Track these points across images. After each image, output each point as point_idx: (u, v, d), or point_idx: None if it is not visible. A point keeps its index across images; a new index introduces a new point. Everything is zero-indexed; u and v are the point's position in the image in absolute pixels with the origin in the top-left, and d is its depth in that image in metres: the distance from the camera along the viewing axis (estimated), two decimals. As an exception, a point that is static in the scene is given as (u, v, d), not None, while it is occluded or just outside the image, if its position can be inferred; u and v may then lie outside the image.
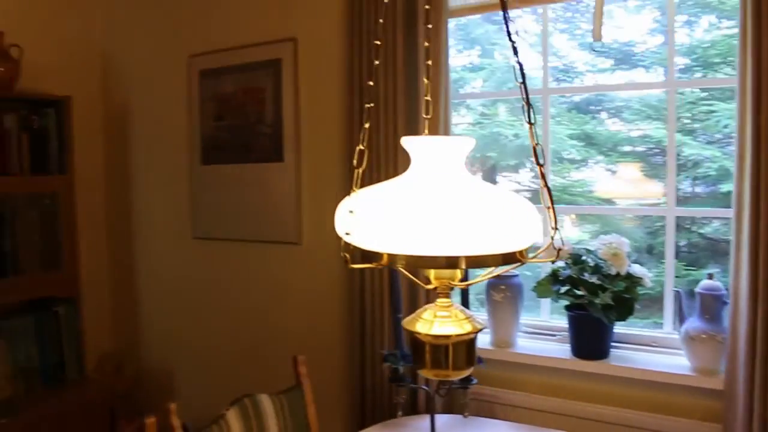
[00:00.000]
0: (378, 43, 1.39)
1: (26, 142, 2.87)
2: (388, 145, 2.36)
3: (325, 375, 2.70)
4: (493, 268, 1.05)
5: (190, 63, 3.11)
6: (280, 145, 2.84)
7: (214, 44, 3.02)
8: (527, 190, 2.72)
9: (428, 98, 1.36)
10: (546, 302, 2.46)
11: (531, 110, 1.03)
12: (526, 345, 2.39)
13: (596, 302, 2.11)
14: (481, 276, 1.18)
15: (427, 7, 1.04)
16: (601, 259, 2.17)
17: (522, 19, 2.55)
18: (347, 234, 1.03)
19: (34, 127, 2.89)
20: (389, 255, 0.99)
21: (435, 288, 1.10)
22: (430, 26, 2.26)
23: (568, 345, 2.28)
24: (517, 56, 1.03)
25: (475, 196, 1.02)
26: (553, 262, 1.09)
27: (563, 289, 2.21)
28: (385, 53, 2.31)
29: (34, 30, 3.06)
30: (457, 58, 2.76)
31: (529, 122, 1.01)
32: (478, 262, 0.98)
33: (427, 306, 1.11)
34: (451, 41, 2.39)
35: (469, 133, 2.75)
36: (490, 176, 2.76)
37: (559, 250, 1.03)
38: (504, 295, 2.34)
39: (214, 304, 3.15)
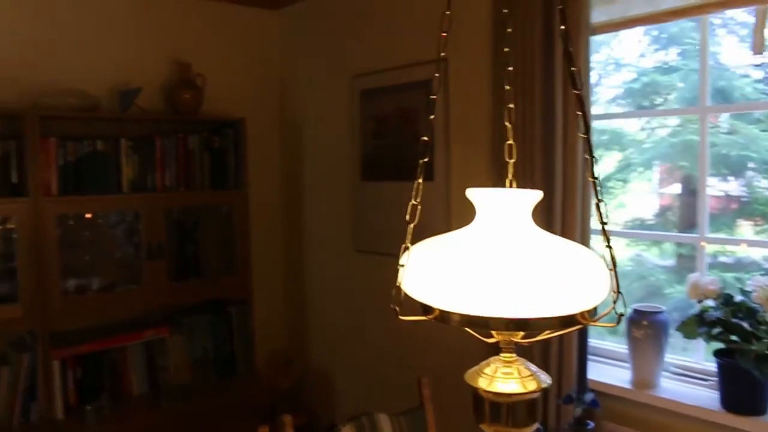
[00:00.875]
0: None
1: (208, 160, 3.26)
2: (525, 168, 2.35)
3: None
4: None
5: (352, 83, 3.31)
6: (431, 164, 2.93)
7: (373, 65, 3.19)
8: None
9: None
10: (700, 341, 2.28)
11: (590, 144, 1.01)
12: (670, 388, 2.24)
13: (748, 351, 1.93)
14: (546, 334, 1.17)
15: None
16: (755, 303, 1.98)
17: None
18: (398, 285, 1.08)
19: (214, 147, 3.28)
20: (442, 311, 1.03)
21: (497, 342, 1.12)
22: (571, 49, 2.20)
23: (718, 393, 2.10)
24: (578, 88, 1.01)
25: (539, 254, 1.01)
26: (614, 326, 1.06)
27: (715, 331, 2.05)
28: (523, 76, 2.30)
29: (216, 60, 3.46)
30: (647, 59, 2.61)
31: (590, 155, 1.00)
32: (536, 325, 0.97)
33: (490, 359, 1.13)
34: (646, 39, 2.27)
35: (659, 142, 2.60)
36: (685, 186, 2.58)
37: (621, 315, 1.00)
38: (645, 332, 2.21)
39: (373, 315, 3.33)
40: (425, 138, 1.16)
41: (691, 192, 2.44)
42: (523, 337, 1.10)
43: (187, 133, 3.20)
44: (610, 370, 2.39)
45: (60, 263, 2.79)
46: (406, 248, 1.12)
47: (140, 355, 3.09)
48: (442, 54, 1.22)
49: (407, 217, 1.15)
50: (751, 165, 2.39)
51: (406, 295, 1.08)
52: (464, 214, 2.91)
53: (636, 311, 2.26)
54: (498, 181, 2.50)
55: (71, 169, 2.86)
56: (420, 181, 1.14)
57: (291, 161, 3.80)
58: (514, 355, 1.11)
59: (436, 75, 1.26)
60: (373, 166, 3.26)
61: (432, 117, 1.21)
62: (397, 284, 1.09)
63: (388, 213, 3.16)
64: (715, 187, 2.42)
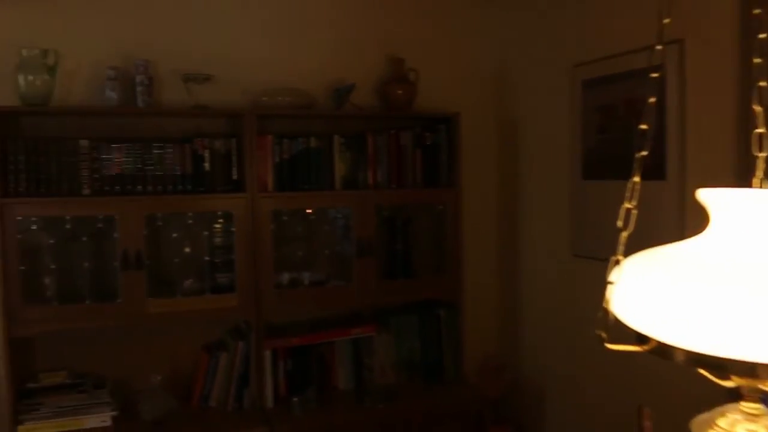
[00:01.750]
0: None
1: (420, 157, 3.22)
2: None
3: None
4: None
5: (573, 73, 3.05)
6: (662, 161, 2.58)
7: (596, 52, 2.90)
8: None
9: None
10: None
11: None
12: None
13: None
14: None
15: None
16: None
17: None
18: (605, 306, 0.89)
19: (426, 144, 3.22)
20: (661, 343, 0.82)
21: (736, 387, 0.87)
22: None
23: None
24: None
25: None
26: None
27: None
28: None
29: (429, 53, 3.40)
30: None
31: None
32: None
33: (726, 407, 0.89)
34: None
35: None
36: None
37: None
38: None
39: (591, 329, 3.04)
40: (644, 126, 0.94)
41: None
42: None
43: (399, 130, 3.18)
44: None
45: (274, 257, 2.92)
46: (617, 261, 0.93)
47: (347, 351, 3.14)
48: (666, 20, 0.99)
49: (619, 222, 0.95)
50: None
51: (616, 318, 0.89)
52: (704, 220, 2.50)
53: None
54: (744, 180, 2.11)
55: (286, 165, 2.98)
56: (637, 179, 0.94)
57: (506, 158, 3.62)
58: (760, 407, 0.86)
59: (657, 47, 1.03)
60: (596, 163, 2.97)
61: (652, 100, 0.98)
62: (604, 305, 0.90)
63: (612, 215, 2.85)
64: None
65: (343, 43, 3.25)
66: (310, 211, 3.11)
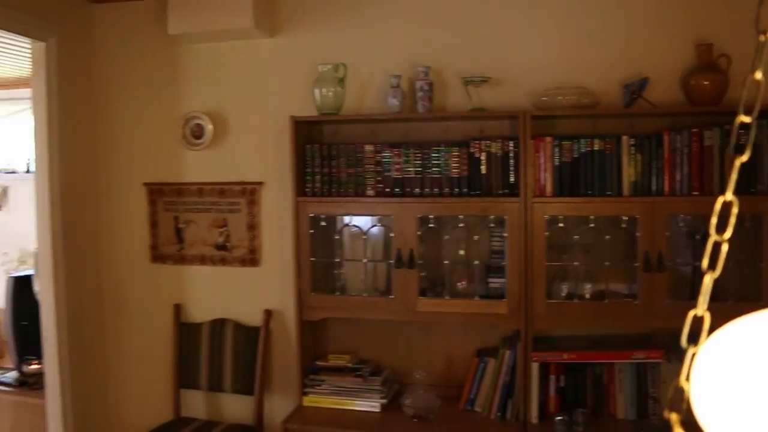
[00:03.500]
0: None
1: (729, 159, 2.78)
2: None
3: None
4: None
5: None
6: None
7: None
8: None
9: None
10: None
11: None
12: None
13: None
14: None
15: None
16: None
17: None
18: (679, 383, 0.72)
19: (740, 143, 2.76)
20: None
21: None
22: None
23: None
24: None
25: None
26: None
27: None
28: None
29: (744, 36, 2.88)
30: None
31: None
32: None
33: None
34: None
35: None
36: None
37: None
38: None
39: None
40: (746, 118, 0.73)
41: None
42: None
43: (702, 128, 2.79)
44: None
45: (548, 266, 2.83)
46: (700, 319, 0.75)
47: (629, 376, 2.88)
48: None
49: (704, 262, 0.77)
50: None
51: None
52: None
53: None
54: None
55: (566, 169, 2.86)
56: (729, 195, 0.74)
57: None
58: None
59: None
60: None
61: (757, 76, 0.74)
62: (677, 382, 0.74)
63: None
64: None
65: (635, 32, 2.97)
66: (593, 216, 2.93)
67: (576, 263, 2.92)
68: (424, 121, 3.08)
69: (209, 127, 3.33)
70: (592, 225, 2.85)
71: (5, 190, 7.30)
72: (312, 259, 3.01)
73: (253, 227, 3.35)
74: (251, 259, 3.37)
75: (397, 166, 2.96)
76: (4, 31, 3.13)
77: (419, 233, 2.90)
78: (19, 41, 4.56)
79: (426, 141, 2.99)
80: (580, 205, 2.85)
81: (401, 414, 2.90)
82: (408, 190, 2.95)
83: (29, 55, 5.12)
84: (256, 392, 3.27)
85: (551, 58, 3.04)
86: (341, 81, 3.00)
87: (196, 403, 3.52)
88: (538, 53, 3.05)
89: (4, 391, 3.83)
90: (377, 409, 2.95)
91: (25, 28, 3.19)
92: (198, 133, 3.36)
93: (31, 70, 3.39)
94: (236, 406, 3.43)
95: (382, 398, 2.96)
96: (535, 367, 2.85)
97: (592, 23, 3.01)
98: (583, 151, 2.85)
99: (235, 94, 3.37)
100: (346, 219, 3.09)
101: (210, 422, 3.33)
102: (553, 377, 2.89)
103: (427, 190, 2.94)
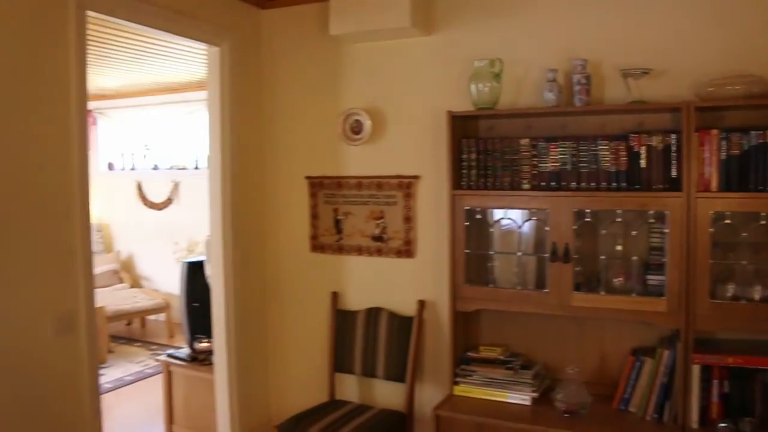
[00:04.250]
0: None
1: None
2: None
3: None
4: None
5: None
6: None
7: None
8: None
9: None
10: None
11: None
12: None
13: None
14: None
15: None
16: None
17: None
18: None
19: None
20: None
21: None
22: None
23: None
24: None
25: None
26: None
27: None
28: None
29: None
30: None
31: None
32: None
33: None
34: None
35: None
36: None
37: None
38: None
39: None
40: None
41: None
42: None
43: None
44: None
45: (712, 265, 2.73)
46: None
47: (803, 385, 2.72)
48: None
49: None
50: None
51: None
52: None
53: None
54: None
55: (734, 162, 2.74)
56: None
57: None
58: None
59: None
60: None
61: None
62: None
63: None
64: None
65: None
66: (762, 214, 2.79)
67: (744, 262, 2.79)
68: (581, 114, 3.07)
69: (368, 123, 3.50)
70: (763, 222, 2.71)
71: (177, 186, 8.00)
72: (466, 251, 3.09)
73: (408, 219, 3.49)
74: (406, 250, 3.51)
75: (553, 160, 2.98)
76: (184, 38, 3.46)
77: (575, 227, 2.90)
78: (193, 48, 5.02)
79: (583, 135, 2.98)
80: (750, 201, 2.72)
81: (552, 408, 2.91)
82: (564, 184, 2.96)
83: (200, 61, 5.62)
84: (408, 379, 3.40)
85: (715, 47, 2.91)
86: (497, 76, 3.06)
87: (350, 387, 3.72)
88: (701, 42, 2.94)
89: (179, 365, 4.24)
90: (527, 402, 2.98)
91: (203, 35, 3.51)
92: (357, 128, 3.54)
93: (205, 73, 3.71)
94: (388, 392, 3.58)
95: (533, 392, 2.98)
96: (696, 370, 2.76)
97: (761, 8, 2.86)
98: (753, 144, 2.72)
99: (392, 90, 3.53)
100: (500, 212, 3.14)
101: (362, 406, 3.51)
102: (716, 382, 2.77)
103: (583, 184, 2.93)
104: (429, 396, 3.45)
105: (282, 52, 3.85)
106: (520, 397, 2.99)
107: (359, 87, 3.62)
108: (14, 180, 2.53)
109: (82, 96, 2.81)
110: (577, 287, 2.92)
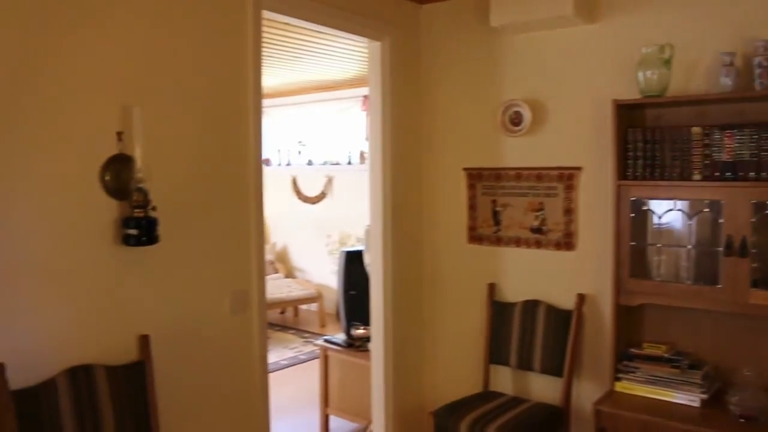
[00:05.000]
0: None
1: None
2: None
3: None
4: None
5: None
6: None
7: None
8: None
9: None
10: None
11: None
12: None
13: None
14: None
15: None
16: None
17: None
18: None
19: None
20: None
21: None
22: None
23: None
24: None
25: None
26: None
27: None
28: None
29: None
30: None
31: None
32: None
33: None
34: None
35: None
36: None
37: None
38: None
39: None
40: None
41: None
42: None
43: None
44: None
45: None
46: None
47: None
48: None
49: None
50: None
51: None
52: None
53: None
54: None
55: None
56: None
57: None
58: None
59: None
60: None
61: None
62: None
63: None
64: None
65: None
66: None
67: None
68: (761, 100, 2.89)
69: (528, 114, 3.50)
70: None
71: (330, 180, 8.32)
72: (632, 243, 3.01)
73: (569, 211, 3.45)
74: (566, 243, 3.47)
75: (729, 149, 2.83)
76: (348, 34, 3.62)
77: (753, 220, 2.74)
78: (349, 46, 5.23)
79: (764, 122, 2.81)
80: None
81: (725, 412, 2.77)
82: (741, 174, 2.80)
83: (354, 58, 5.84)
84: (565, 374, 3.37)
85: None
86: (667, 62, 2.95)
87: (504, 379, 3.73)
88: None
89: (335, 350, 4.43)
90: (696, 404, 2.85)
91: (367, 31, 3.65)
92: (516, 120, 3.55)
93: (358, 71, 3.85)
94: (543, 386, 3.56)
95: (702, 393, 2.85)
96: None
97: None
98: None
99: (553, 80, 3.50)
100: (668, 204, 3.03)
101: (517, 398, 3.51)
102: None
103: (763, 174, 2.76)
104: (586, 391, 3.40)
105: (440, 46, 3.93)
106: (688, 398, 2.87)
107: (519, 78, 3.62)
108: (204, 174, 2.79)
109: (258, 92, 3.03)
110: (755, 284, 2.76)
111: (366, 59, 3.90)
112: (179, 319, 2.71)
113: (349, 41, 4.90)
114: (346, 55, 5.88)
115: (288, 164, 8.77)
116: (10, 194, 2.18)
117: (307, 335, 7.44)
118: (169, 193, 2.60)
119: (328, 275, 8.16)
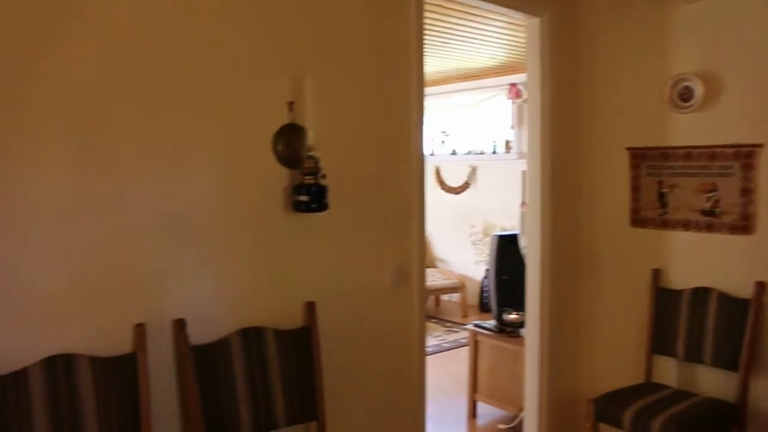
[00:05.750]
0: None
1: None
2: None
3: None
4: None
5: None
6: None
7: None
8: None
9: None
10: None
11: None
12: None
13: None
14: None
15: None
16: None
17: None
18: None
19: None
20: None
21: None
22: None
23: None
24: None
25: None
26: None
27: None
28: None
29: None
30: None
31: None
32: None
33: None
34: None
35: None
36: None
37: None
38: None
39: None
40: None
41: None
42: None
43: None
44: None
45: None
46: None
47: None
48: None
49: None
50: None
51: None
52: None
53: None
54: None
55: None
56: None
57: None
58: None
59: None
60: None
61: None
62: None
63: None
64: None
65: None
66: None
67: None
68: None
69: (700, 89, 3.28)
70: None
71: (474, 170, 8.26)
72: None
73: (747, 192, 3.20)
74: (743, 226, 3.22)
75: None
76: (508, 10, 3.56)
77: None
78: (496, 31, 5.14)
79: None
80: None
81: None
82: None
83: (502, 44, 5.74)
84: (741, 368, 3.13)
85: None
86: None
87: (667, 371, 3.53)
88: None
89: (486, 335, 4.39)
90: None
91: (526, 6, 3.58)
92: (686, 95, 3.34)
93: (505, 57, 3.77)
94: (714, 380, 3.33)
95: None
96: None
97: None
98: None
99: (732, 51, 3.26)
100: None
101: (683, 392, 3.31)
102: None
103: None
104: (765, 388, 3.14)
105: (601, 20, 3.78)
106: None
107: (689, 51, 3.41)
108: (369, 148, 2.90)
109: (420, 77, 3.13)
110: None
111: (514, 45, 3.83)
112: (343, 286, 2.81)
113: (499, 25, 4.82)
114: (494, 41, 5.79)
115: (431, 154, 8.78)
116: (198, 157, 2.34)
117: (449, 324, 7.42)
118: (337, 164, 2.68)
119: (470, 266, 8.11)
